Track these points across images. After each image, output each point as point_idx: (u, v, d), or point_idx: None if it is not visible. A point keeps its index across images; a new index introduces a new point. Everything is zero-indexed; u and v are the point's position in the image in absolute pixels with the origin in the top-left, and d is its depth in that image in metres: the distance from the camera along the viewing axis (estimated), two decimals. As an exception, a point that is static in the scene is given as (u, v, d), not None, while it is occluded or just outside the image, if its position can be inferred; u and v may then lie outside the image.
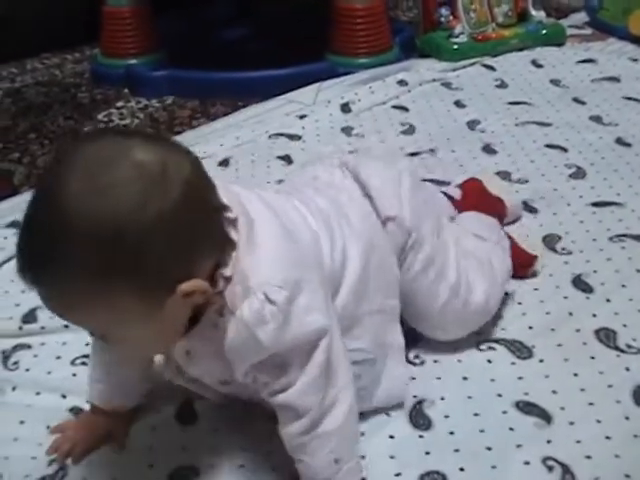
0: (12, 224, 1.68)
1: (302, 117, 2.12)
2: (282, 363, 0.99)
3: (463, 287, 1.25)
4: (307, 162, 1.79)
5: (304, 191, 1.19)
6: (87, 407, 1.21)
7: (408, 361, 1.25)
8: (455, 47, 2.49)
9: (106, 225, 0.85)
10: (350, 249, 1.12)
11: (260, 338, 0.95)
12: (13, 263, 1.59)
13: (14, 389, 1.30)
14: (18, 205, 1.82)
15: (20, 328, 1.41)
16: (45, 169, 0.94)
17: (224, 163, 1.95)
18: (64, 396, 1.27)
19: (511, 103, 2.19)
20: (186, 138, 2.08)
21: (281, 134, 2.04)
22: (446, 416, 1.17)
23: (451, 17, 2.54)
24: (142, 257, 0.87)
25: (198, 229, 0.92)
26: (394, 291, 1.19)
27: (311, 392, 0.99)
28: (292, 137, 2.06)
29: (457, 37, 2.51)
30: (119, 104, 2.46)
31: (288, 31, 2.39)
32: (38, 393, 1.28)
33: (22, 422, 1.23)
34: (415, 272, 1.22)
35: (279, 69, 2.40)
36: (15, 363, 1.35)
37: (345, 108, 2.16)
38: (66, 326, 1.38)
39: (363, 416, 1.14)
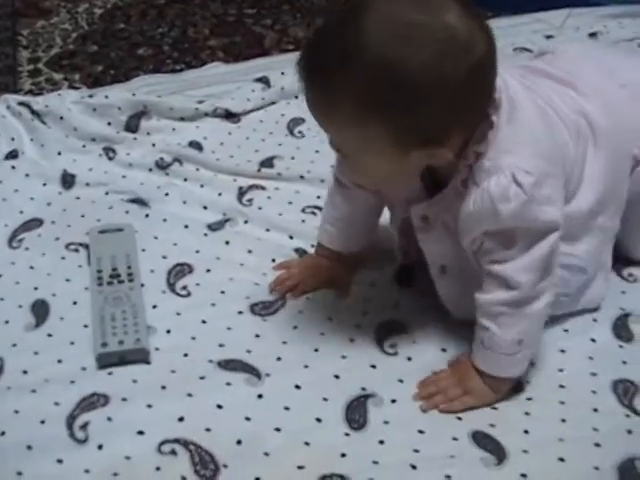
0: (260, 79, 1.74)
1: (549, 37, 2.09)
2: (510, 238, 1.02)
3: None
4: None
5: (577, 87, 1.16)
6: (312, 251, 1.29)
7: (622, 277, 1.27)
8: None
9: (394, 65, 0.91)
10: (590, 168, 1.12)
11: (500, 211, 0.99)
12: (256, 113, 1.67)
13: (246, 222, 1.39)
14: (266, 65, 1.90)
15: (258, 170, 1.50)
16: None
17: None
18: (291, 237, 1.35)
19: None
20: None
21: (525, 49, 2.03)
22: (649, 333, 1.20)
23: None
24: (411, 106, 0.93)
25: (467, 104, 0.96)
26: (618, 213, 1.19)
27: (527, 271, 1.03)
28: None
29: None
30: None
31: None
32: (268, 230, 1.37)
33: (250, 251, 1.33)
34: None
35: (533, -12, 2.38)
36: (249, 200, 1.44)
37: (592, 37, 2.13)
38: (302, 177, 1.47)
39: (570, 314, 1.19)
